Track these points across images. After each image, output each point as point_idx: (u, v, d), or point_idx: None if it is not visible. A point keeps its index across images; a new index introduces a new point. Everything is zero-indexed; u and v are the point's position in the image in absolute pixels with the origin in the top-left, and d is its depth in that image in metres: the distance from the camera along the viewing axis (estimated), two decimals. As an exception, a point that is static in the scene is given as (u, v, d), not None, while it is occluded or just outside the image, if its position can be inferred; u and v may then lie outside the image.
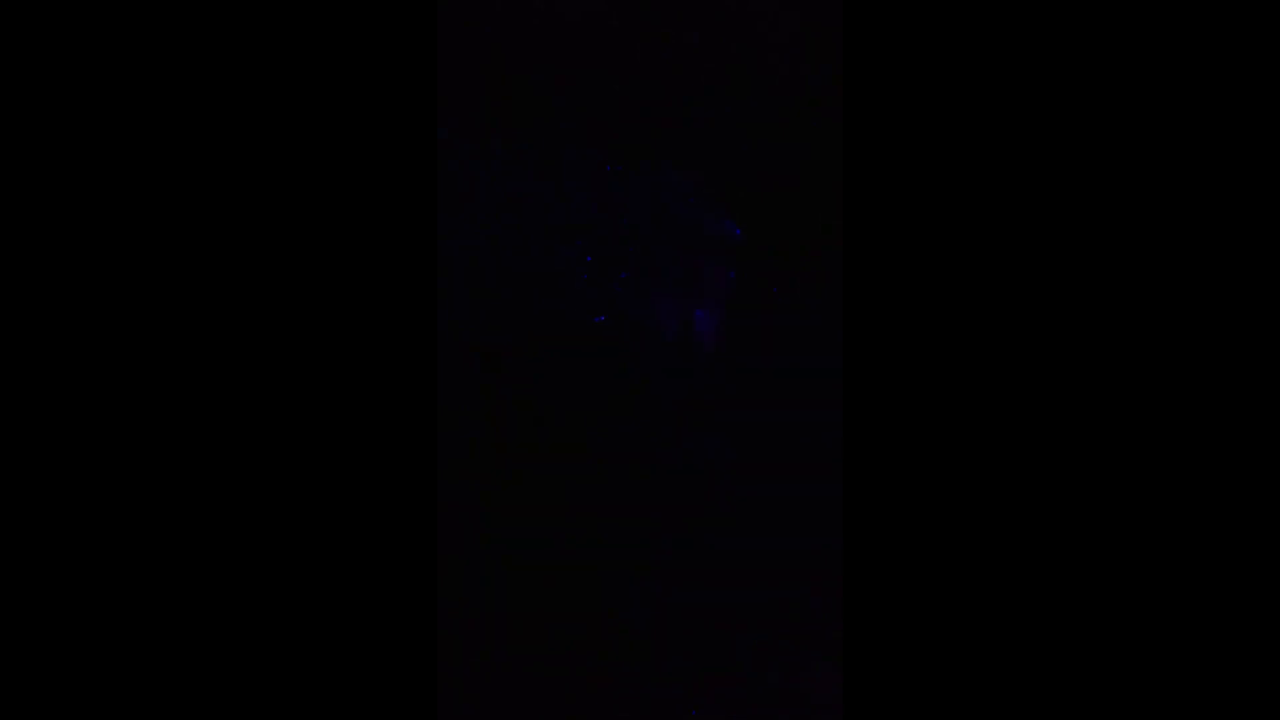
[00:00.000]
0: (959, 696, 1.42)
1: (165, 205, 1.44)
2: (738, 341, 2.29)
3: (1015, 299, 1.44)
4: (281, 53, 1.45)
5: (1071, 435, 1.42)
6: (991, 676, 1.41)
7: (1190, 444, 1.40)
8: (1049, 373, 1.43)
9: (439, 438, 2.26)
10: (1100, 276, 1.42)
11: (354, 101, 1.46)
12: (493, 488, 2.27)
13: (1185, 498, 1.40)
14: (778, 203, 2.31)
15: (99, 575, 1.40)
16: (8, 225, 1.42)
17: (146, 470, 1.41)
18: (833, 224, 2.30)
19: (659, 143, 2.33)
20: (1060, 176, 1.44)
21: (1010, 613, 1.42)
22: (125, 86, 1.44)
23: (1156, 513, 1.41)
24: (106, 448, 1.41)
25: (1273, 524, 1.39)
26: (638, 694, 2.22)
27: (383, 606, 1.44)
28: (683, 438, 2.30)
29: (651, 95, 2.35)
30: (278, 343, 1.44)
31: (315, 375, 1.44)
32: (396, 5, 1.47)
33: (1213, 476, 1.40)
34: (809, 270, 2.32)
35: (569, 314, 2.31)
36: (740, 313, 2.27)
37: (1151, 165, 1.43)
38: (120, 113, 1.44)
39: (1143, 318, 1.42)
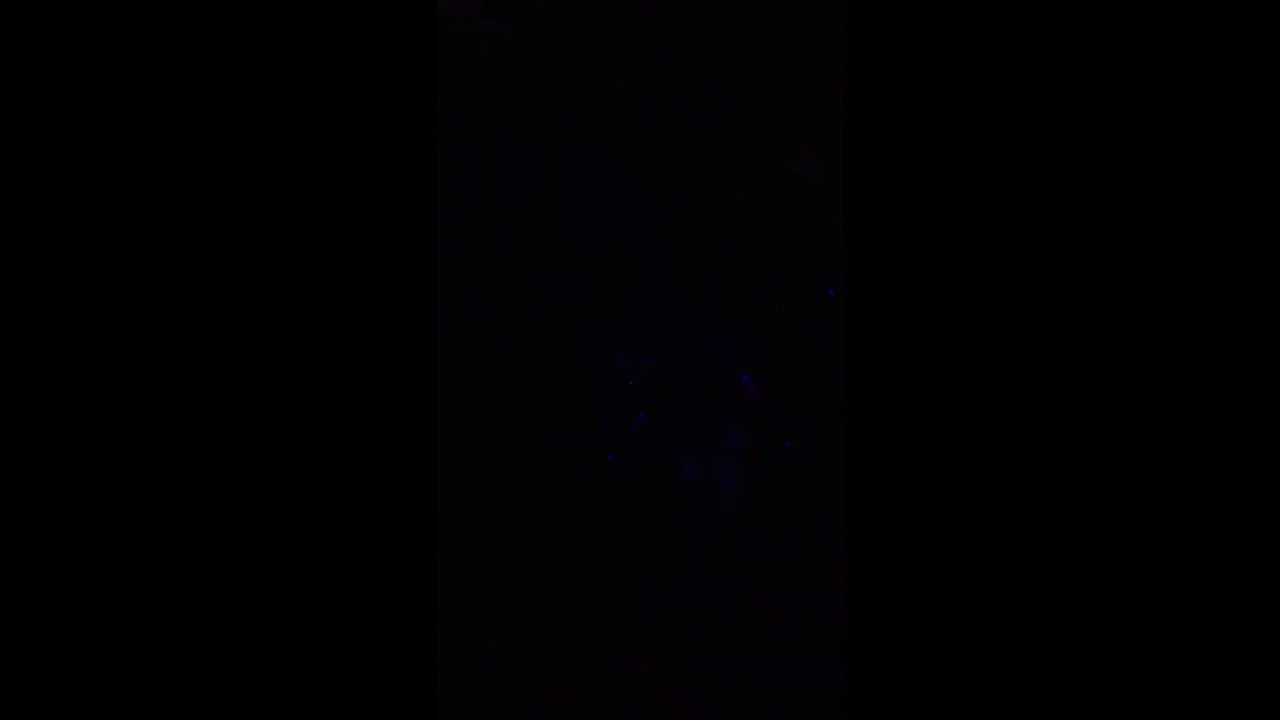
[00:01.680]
0: (959, 696, 1.42)
1: (164, 205, 1.44)
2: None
3: (1016, 299, 1.44)
4: (281, 53, 1.46)
5: (1071, 450, 1.42)
6: (991, 676, 1.41)
7: (1191, 444, 1.40)
8: (1052, 387, 1.43)
9: (439, 438, 2.26)
10: (1105, 282, 1.43)
11: (354, 102, 1.47)
12: (492, 488, 2.27)
13: (1186, 498, 1.40)
14: (777, 203, 2.32)
15: (100, 573, 1.41)
16: (7, 226, 1.42)
17: (147, 469, 1.41)
18: (833, 225, 2.30)
19: (658, 143, 2.33)
20: (1065, 181, 1.44)
21: (1010, 613, 1.42)
22: (125, 88, 1.44)
23: (1158, 517, 1.41)
24: (108, 447, 1.41)
25: (1273, 524, 1.39)
26: (638, 694, 2.22)
27: (383, 606, 1.44)
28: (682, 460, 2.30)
29: (651, 95, 2.35)
30: (278, 343, 1.44)
31: (315, 375, 1.44)
32: (396, 5, 1.47)
33: (1213, 476, 1.40)
34: (807, 271, 2.32)
35: (568, 319, 2.31)
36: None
37: (1152, 162, 1.43)
38: (120, 115, 1.44)
39: (1145, 315, 1.42)
